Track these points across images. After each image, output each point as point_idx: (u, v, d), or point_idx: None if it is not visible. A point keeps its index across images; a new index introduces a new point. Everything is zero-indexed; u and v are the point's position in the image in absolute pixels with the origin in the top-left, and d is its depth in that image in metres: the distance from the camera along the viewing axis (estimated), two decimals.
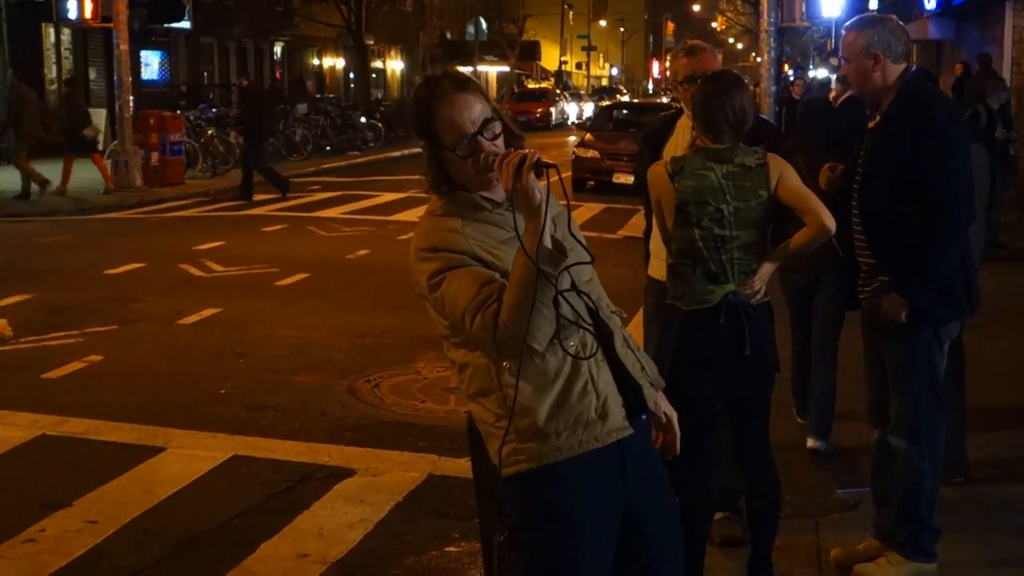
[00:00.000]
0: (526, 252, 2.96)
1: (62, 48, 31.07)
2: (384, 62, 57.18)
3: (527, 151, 2.99)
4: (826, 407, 6.77)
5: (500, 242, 3.16)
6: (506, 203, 3.20)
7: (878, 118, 4.80)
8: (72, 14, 21.47)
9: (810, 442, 6.72)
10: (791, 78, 29.92)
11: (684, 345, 4.46)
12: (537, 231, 2.95)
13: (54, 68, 30.86)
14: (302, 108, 34.69)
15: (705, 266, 4.44)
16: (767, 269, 4.53)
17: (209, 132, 25.23)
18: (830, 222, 4.45)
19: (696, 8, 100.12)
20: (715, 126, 4.48)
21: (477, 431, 3.79)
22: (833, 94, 11.56)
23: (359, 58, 46.30)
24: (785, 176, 4.47)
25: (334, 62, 51.65)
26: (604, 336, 3.27)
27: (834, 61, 31.18)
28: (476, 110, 3.14)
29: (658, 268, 5.28)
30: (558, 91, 61.61)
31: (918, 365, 4.80)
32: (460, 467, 6.31)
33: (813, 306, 6.81)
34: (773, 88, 17.74)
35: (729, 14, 74.39)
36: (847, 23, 5.08)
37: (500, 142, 3.16)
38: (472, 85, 3.20)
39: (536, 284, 2.97)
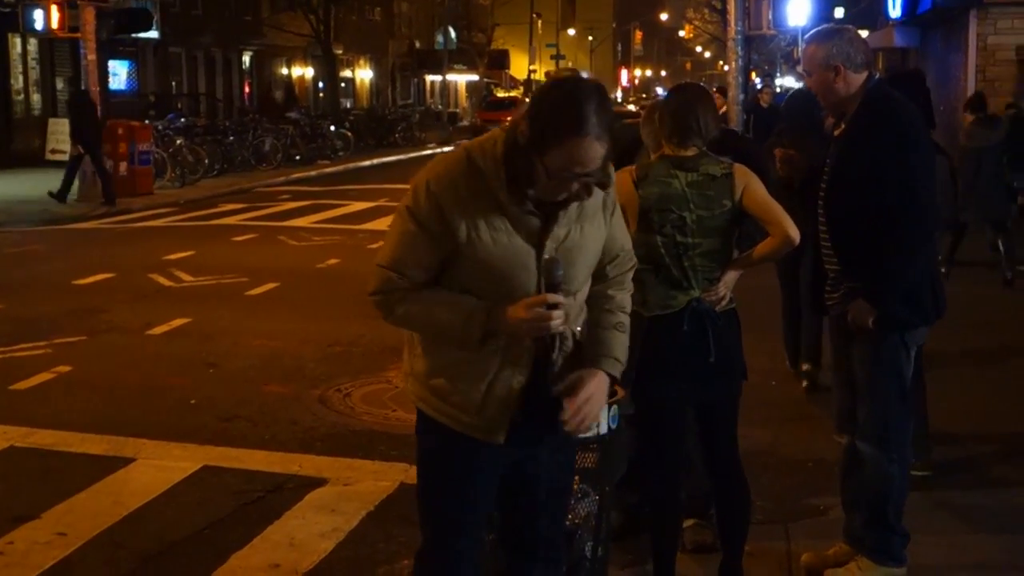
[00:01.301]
0: (464, 330, 3.18)
1: (29, 58, 30.90)
2: (353, 71, 57.14)
3: (558, 322, 3.14)
4: (814, 341, 8.05)
5: (495, 229, 3.17)
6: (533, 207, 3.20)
7: (843, 126, 4.85)
8: (39, 24, 21.39)
9: (804, 366, 8.18)
10: (759, 86, 30.06)
11: (649, 352, 4.47)
12: (494, 332, 3.18)
13: (20, 78, 30.69)
14: (293, 115, 35.16)
15: (667, 272, 4.46)
16: (731, 276, 4.57)
17: (178, 142, 25.18)
18: (794, 233, 4.50)
19: (664, 17, 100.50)
20: (684, 134, 4.51)
21: None
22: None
23: (328, 67, 46.28)
24: (751, 187, 4.51)
25: (303, 71, 51.58)
26: (540, 355, 3.30)
27: (800, 69, 31.31)
28: (593, 162, 3.08)
29: None
30: (527, 99, 61.64)
31: (885, 371, 4.84)
32: None
33: (800, 265, 7.05)
34: (741, 96, 17.82)
35: (696, 23, 74.78)
36: (807, 36, 5.14)
37: (591, 185, 3.17)
38: (610, 130, 3.11)
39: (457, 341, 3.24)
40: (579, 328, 3.38)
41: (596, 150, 3.06)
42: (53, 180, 21.15)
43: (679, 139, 4.52)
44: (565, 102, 3.07)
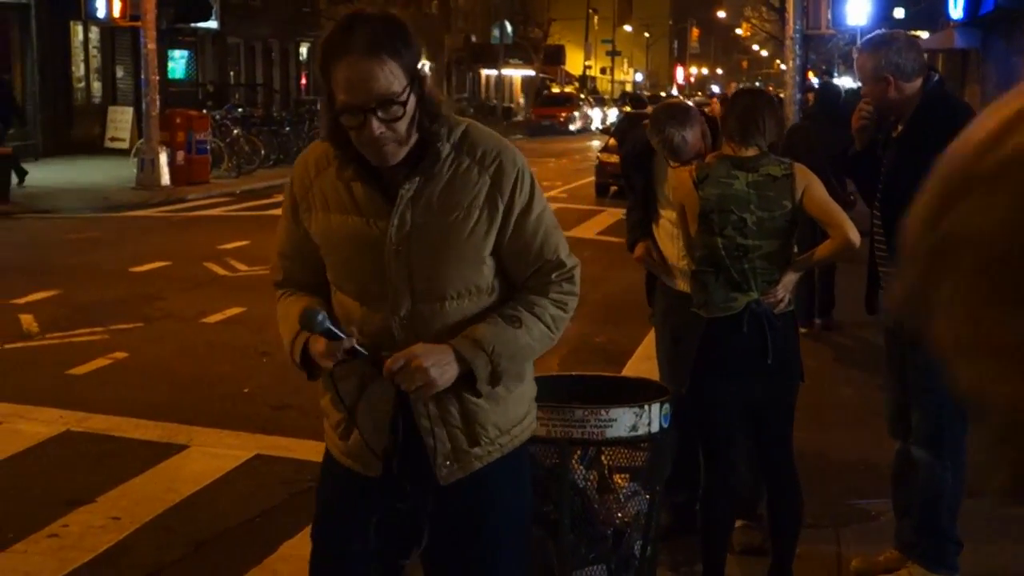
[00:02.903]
0: (290, 354, 2.91)
1: (90, 46, 31.26)
2: None
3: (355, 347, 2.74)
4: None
5: (331, 208, 2.87)
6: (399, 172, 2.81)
7: (900, 128, 4.82)
8: (101, 13, 21.61)
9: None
10: (816, 86, 29.83)
11: (707, 353, 4.48)
12: (310, 355, 2.85)
13: (82, 66, 31.05)
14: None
15: (727, 274, 4.46)
16: (790, 278, 4.55)
17: (235, 132, 25.34)
18: (855, 236, 4.48)
19: (721, 14, 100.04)
20: (746, 134, 4.50)
21: None
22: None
23: None
24: (811, 188, 4.49)
25: None
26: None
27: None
28: (379, 84, 2.65)
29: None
30: (582, 96, 61.61)
31: (940, 375, 4.78)
32: None
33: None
34: (798, 96, 17.70)
35: (754, 21, 74.30)
36: (860, 44, 5.11)
37: (401, 123, 2.69)
38: (387, 49, 2.67)
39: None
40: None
41: (370, 70, 2.65)
42: (112, 167, 21.39)
43: (741, 138, 4.51)
44: (334, 28, 2.76)
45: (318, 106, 2.84)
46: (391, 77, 2.66)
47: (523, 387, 2.99)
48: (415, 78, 2.72)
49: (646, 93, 71.96)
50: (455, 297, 2.83)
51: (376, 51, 2.65)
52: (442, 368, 2.74)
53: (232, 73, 39.99)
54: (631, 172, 5.57)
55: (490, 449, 2.89)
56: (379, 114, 2.66)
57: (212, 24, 33.82)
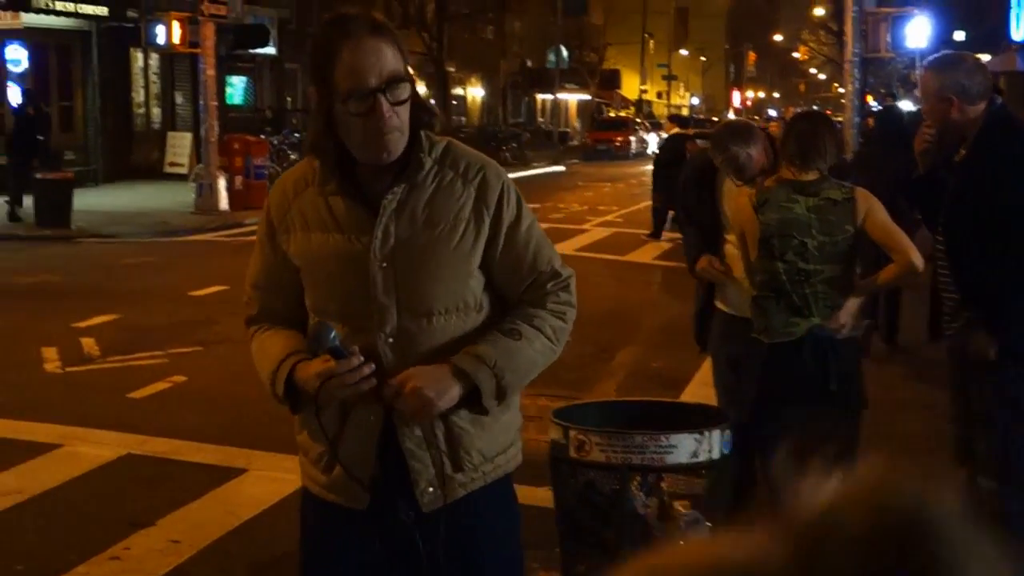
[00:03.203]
0: (272, 388, 2.76)
1: (150, 73, 31.68)
2: (464, 89, 57.57)
3: (359, 380, 2.62)
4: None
5: (311, 228, 2.77)
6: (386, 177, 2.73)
7: (963, 151, 4.75)
8: (161, 40, 21.91)
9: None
10: (874, 110, 29.64)
11: (768, 379, 4.44)
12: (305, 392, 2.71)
13: (142, 92, 31.46)
14: None
15: (788, 299, 4.42)
16: (853, 304, 4.50)
17: (292, 157, 25.56)
18: (918, 260, 4.42)
19: (778, 38, 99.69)
20: (806, 158, 4.47)
21: (559, 459, 3.80)
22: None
23: (440, 85, 46.69)
24: (873, 212, 4.45)
25: (416, 88, 52.04)
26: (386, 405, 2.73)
27: (919, 93, 30.79)
28: (386, 62, 2.61)
29: (723, 299, 5.27)
30: (638, 120, 61.58)
31: (1006, 404, 4.72)
32: (539, 496, 6.28)
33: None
34: (857, 120, 17.57)
35: (811, 44, 73.98)
36: (925, 63, 5.06)
37: (404, 111, 2.64)
38: (388, 32, 2.67)
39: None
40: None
41: (378, 47, 2.61)
42: (170, 192, 21.63)
43: (801, 162, 4.47)
44: (326, 23, 2.73)
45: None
46: (397, 56, 2.64)
47: (509, 415, 2.88)
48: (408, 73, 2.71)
49: (699, 115, 71.84)
50: (443, 313, 2.73)
51: (379, 32, 2.63)
52: (440, 389, 2.65)
53: (289, 98, 40.38)
54: (690, 194, 5.52)
55: (473, 476, 2.78)
56: (387, 96, 2.59)
57: (270, 50, 34.16)
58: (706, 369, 9.40)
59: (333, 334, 2.61)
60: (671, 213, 19.32)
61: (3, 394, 8.55)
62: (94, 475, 6.78)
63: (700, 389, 8.64)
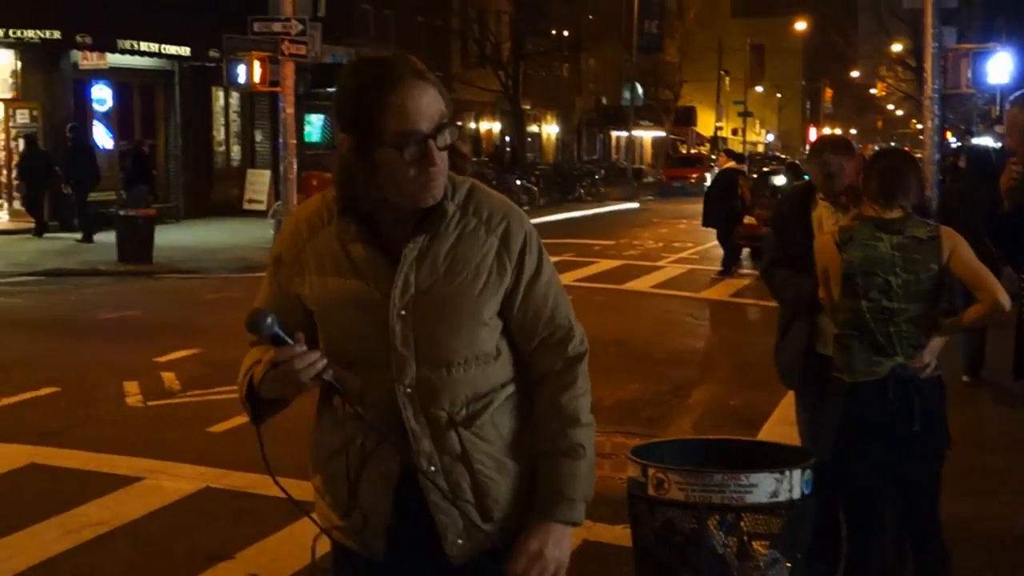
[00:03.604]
0: (240, 390, 2.73)
1: (231, 111, 32.18)
2: (540, 126, 57.82)
3: (306, 367, 2.53)
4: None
5: (327, 273, 2.67)
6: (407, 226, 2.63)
7: None
8: (242, 79, 22.22)
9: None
10: (953, 146, 29.30)
11: (850, 418, 4.38)
12: (272, 390, 2.62)
13: (223, 130, 31.97)
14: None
15: (872, 338, 4.37)
16: (937, 343, 4.44)
17: None
18: (1004, 300, 4.36)
19: (855, 74, 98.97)
20: (890, 195, 4.43)
21: (637, 497, 3.78)
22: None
23: (515, 122, 46.94)
24: (958, 250, 4.39)
25: (490, 125, 52.42)
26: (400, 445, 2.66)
27: (1000, 129, 30.50)
28: (435, 106, 2.54)
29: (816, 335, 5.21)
30: (713, 157, 61.41)
31: None
32: (615, 534, 6.27)
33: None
34: (936, 156, 17.37)
35: (889, 80, 73.34)
36: (1011, 98, 5.00)
37: (446, 155, 2.57)
38: (430, 76, 2.57)
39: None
40: (484, 421, 2.70)
41: (428, 92, 2.53)
42: (249, 229, 21.91)
43: (884, 201, 4.44)
44: (365, 65, 2.59)
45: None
46: (440, 99, 2.56)
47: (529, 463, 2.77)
48: None
49: (777, 152, 71.31)
50: (462, 363, 2.65)
51: (424, 75, 2.55)
52: (564, 548, 2.67)
53: None
54: (786, 228, 5.43)
55: (502, 526, 2.70)
56: (436, 141, 2.52)
57: None
58: (784, 407, 9.31)
59: (270, 320, 2.53)
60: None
61: (87, 427, 8.69)
62: (174, 508, 6.86)
63: (778, 428, 8.55)
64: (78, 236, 22.61)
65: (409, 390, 2.63)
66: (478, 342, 2.66)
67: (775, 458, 4.05)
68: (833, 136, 5.44)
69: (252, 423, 2.78)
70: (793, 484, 3.86)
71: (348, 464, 2.72)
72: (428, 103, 2.52)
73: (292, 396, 2.65)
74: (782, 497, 3.86)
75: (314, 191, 22.71)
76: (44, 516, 6.46)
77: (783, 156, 76.29)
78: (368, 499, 2.70)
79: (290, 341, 2.53)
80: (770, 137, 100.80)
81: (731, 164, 19.40)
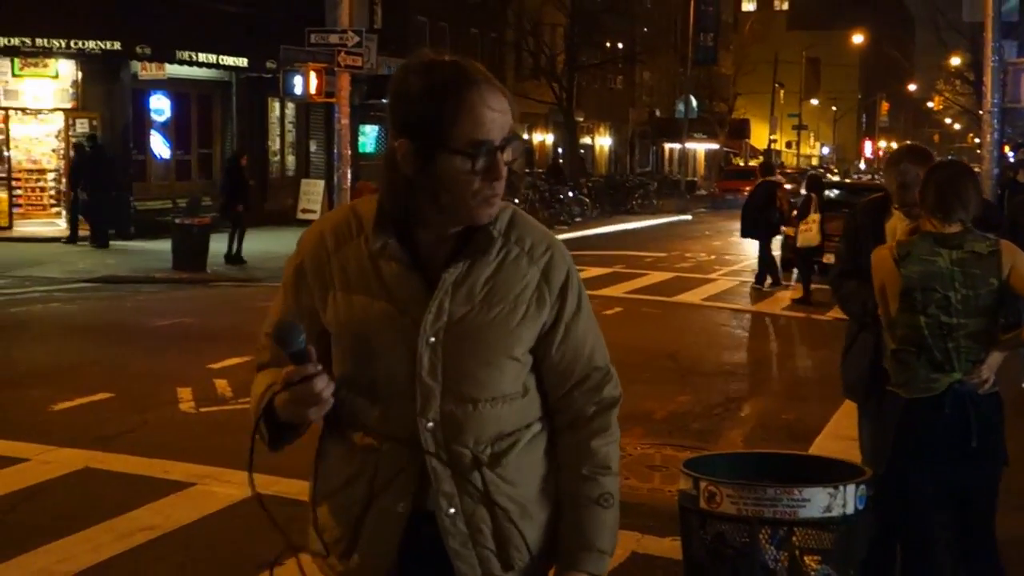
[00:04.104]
0: (254, 415, 2.52)
1: (286, 122, 32.42)
2: (593, 138, 57.80)
3: (322, 388, 2.35)
4: None
5: (352, 292, 2.47)
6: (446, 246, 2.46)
7: None
8: (298, 90, 22.39)
9: None
10: (1011, 159, 28.96)
11: (906, 434, 4.34)
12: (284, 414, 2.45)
13: (278, 140, 32.21)
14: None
15: (930, 354, 4.32)
16: (996, 358, 4.39)
17: None
18: None
19: (912, 88, 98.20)
20: (948, 210, 4.38)
21: (688, 510, 3.75)
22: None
23: (569, 133, 46.96)
24: (1019, 265, 4.34)
25: (543, 137, 52.48)
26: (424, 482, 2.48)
27: None
28: (508, 117, 2.37)
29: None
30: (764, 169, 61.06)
31: None
32: (664, 547, 6.24)
33: None
34: (995, 171, 17.18)
35: (947, 94, 72.72)
36: None
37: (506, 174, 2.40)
38: (502, 86, 2.42)
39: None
40: (509, 462, 2.50)
41: (503, 100, 2.36)
42: None
43: (943, 215, 4.38)
44: (436, 65, 2.37)
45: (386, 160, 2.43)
46: (511, 112, 2.39)
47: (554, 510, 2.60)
48: None
49: (829, 166, 70.78)
50: (489, 399, 2.45)
51: (498, 83, 2.38)
52: None
53: None
54: (859, 241, 5.36)
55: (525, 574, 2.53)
56: (505, 155, 2.36)
57: None
58: (835, 422, 9.25)
59: (302, 337, 2.33)
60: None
61: (140, 433, 8.77)
62: (225, 514, 6.89)
63: (829, 442, 8.48)
64: (120, 242, 23.04)
65: (431, 424, 2.43)
66: (508, 378, 2.48)
67: (827, 473, 4.01)
68: (912, 145, 5.40)
69: (271, 448, 2.62)
70: (847, 499, 3.82)
71: (355, 498, 2.50)
72: (502, 112, 2.35)
73: (305, 421, 2.47)
74: (835, 512, 3.82)
75: None
76: (97, 520, 6.52)
77: (834, 169, 75.84)
78: (372, 538, 2.50)
79: (312, 360, 2.35)
80: (825, 150, 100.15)
81: (768, 177, 19.30)
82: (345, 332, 2.48)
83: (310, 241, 2.54)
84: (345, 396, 2.46)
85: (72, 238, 23.08)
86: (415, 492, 2.45)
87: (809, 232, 17.55)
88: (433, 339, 2.41)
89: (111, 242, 23.19)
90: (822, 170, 63.59)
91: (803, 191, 18.80)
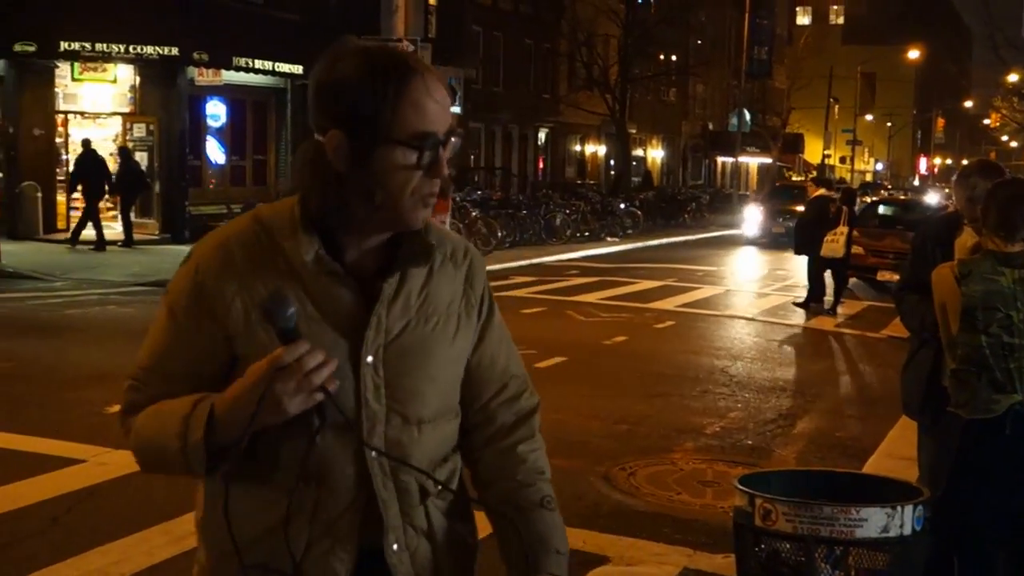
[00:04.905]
0: (186, 429, 2.12)
1: None
2: (645, 150, 57.71)
3: (326, 372, 2.05)
4: None
5: (306, 312, 2.15)
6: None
7: None
8: None
9: None
10: None
11: (965, 456, 4.29)
12: (238, 423, 2.07)
13: None
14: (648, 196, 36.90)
15: (991, 374, 4.28)
16: None
17: (473, 214, 25.95)
18: None
19: (968, 104, 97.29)
20: (1011, 229, 4.34)
21: (742, 527, 3.74)
22: None
23: (621, 146, 46.92)
24: None
25: (596, 148, 52.47)
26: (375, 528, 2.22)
27: None
28: (448, 110, 2.17)
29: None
30: (815, 184, 60.70)
31: None
32: (716, 563, 6.22)
33: None
34: None
35: (1004, 111, 72.01)
36: None
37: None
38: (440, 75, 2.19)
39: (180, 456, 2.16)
40: (446, 482, 2.32)
41: (445, 93, 2.16)
42: None
43: (1006, 234, 4.35)
44: (368, 51, 2.16)
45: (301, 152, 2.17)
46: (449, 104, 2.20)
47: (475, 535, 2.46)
48: None
49: (883, 181, 70.21)
50: (431, 420, 2.25)
51: (436, 72, 2.17)
52: None
53: (472, 156, 41.09)
54: (928, 256, 5.31)
55: None
56: (447, 150, 2.15)
57: (455, 109, 34.86)
58: (890, 441, 9.18)
59: (293, 310, 2.06)
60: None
61: None
62: None
63: (884, 461, 8.42)
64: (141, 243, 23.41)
65: (374, 454, 2.18)
66: (449, 396, 2.30)
67: (883, 492, 3.98)
68: (983, 160, 5.37)
69: (207, 471, 2.15)
70: (904, 520, 3.79)
71: (289, 546, 2.15)
72: (444, 105, 2.14)
73: (279, 420, 2.08)
74: (892, 533, 3.79)
75: None
76: (152, 522, 6.58)
77: (887, 185, 75.25)
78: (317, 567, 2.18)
79: (303, 337, 2.06)
80: (879, 166, 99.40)
81: (821, 191, 19.10)
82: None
83: (212, 259, 2.18)
84: (263, 433, 2.11)
85: (127, 242, 23.31)
86: (359, 528, 2.19)
87: (836, 243, 17.62)
88: (371, 358, 2.17)
89: (167, 246, 23.42)
90: (882, 186, 63.05)
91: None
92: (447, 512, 2.32)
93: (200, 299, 2.17)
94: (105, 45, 24.22)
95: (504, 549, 2.39)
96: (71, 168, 23.66)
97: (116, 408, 9.30)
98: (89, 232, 22.47)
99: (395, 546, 2.21)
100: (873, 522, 3.77)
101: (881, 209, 25.88)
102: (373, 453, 2.17)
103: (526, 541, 2.33)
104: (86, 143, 23.44)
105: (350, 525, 2.18)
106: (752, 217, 35.57)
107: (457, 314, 2.29)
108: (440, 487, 2.28)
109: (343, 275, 2.16)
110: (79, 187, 22.95)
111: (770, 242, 32.73)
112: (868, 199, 37.56)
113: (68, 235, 23.24)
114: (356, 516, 2.18)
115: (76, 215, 23.59)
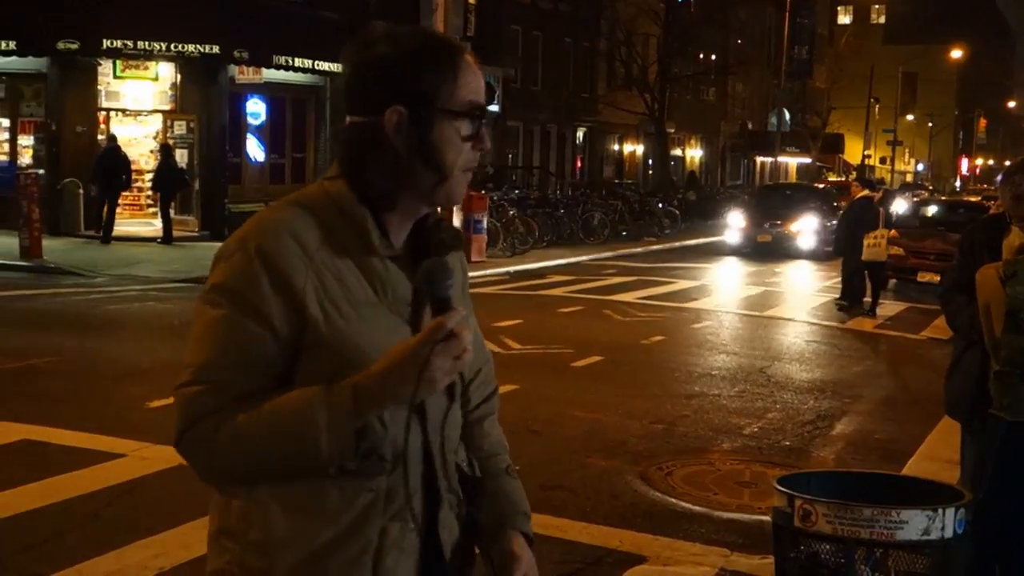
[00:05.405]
0: (329, 425, 2.00)
1: None
2: (683, 149, 57.55)
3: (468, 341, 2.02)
4: None
5: (352, 302, 2.09)
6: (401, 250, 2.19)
7: None
8: None
9: None
10: None
11: (1007, 459, 4.26)
12: (361, 414, 2.01)
13: None
14: (690, 196, 36.62)
15: None
16: None
17: (511, 213, 25.94)
18: None
19: (1011, 104, 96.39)
20: None
21: (782, 527, 3.72)
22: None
23: (659, 145, 46.84)
24: None
25: (634, 148, 52.37)
26: (431, 502, 2.22)
27: None
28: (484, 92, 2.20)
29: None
30: (856, 184, 60.29)
31: None
32: (753, 564, 6.19)
33: None
34: None
35: None
36: None
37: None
38: None
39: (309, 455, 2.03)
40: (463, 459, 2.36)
41: (480, 75, 2.20)
42: None
43: None
44: (414, 31, 2.17)
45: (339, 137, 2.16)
46: None
47: None
48: None
49: (924, 182, 69.67)
50: (457, 399, 2.30)
51: None
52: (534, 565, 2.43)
53: (511, 155, 41.11)
54: (974, 250, 5.27)
55: None
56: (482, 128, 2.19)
57: (494, 108, 34.89)
58: (930, 443, 9.11)
59: (451, 281, 2.04)
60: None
61: None
62: None
63: (924, 463, 8.36)
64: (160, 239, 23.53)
65: (439, 437, 2.19)
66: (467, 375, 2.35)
67: (923, 495, 3.96)
68: None
69: (354, 457, 2.07)
70: (946, 523, 3.76)
71: (361, 547, 2.10)
72: (484, 81, 2.19)
73: (429, 395, 2.08)
74: (933, 536, 3.76)
75: (458, 208, 22.97)
76: (191, 517, 6.61)
77: (930, 187, 74.70)
78: None
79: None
80: (920, 167, 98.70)
81: (865, 192, 18.88)
82: (346, 346, 2.07)
83: (282, 247, 2.06)
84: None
85: (167, 238, 23.46)
86: (424, 531, 2.19)
87: (878, 247, 17.38)
88: None
89: (206, 243, 23.57)
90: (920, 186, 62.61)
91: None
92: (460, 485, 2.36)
93: (274, 280, 2.05)
94: (147, 43, 24.40)
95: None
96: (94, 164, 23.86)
97: (157, 403, 9.40)
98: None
99: (444, 532, 2.23)
100: (914, 524, 3.74)
101: (922, 210, 25.75)
102: (438, 438, 2.20)
103: (499, 504, 2.40)
104: (111, 138, 23.67)
105: (420, 503, 2.17)
106: (735, 223, 29.92)
107: (463, 297, 2.33)
108: (464, 461, 2.36)
109: (403, 258, 2.15)
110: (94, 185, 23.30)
111: (752, 252, 28.83)
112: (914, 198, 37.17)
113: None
114: (419, 506, 2.17)
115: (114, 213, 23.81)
